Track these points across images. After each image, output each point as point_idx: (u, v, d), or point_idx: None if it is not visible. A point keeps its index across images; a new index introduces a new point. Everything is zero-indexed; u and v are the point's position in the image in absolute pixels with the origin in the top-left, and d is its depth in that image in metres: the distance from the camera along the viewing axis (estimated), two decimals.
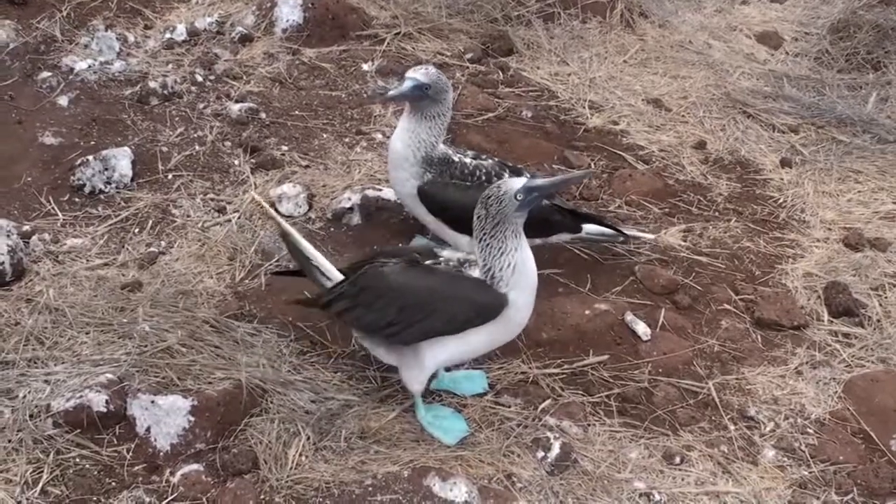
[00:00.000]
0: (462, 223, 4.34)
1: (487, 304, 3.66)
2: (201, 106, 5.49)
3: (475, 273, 3.67)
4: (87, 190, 4.83)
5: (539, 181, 3.66)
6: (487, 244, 3.60)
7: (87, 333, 4.03)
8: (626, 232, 4.73)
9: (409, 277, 3.70)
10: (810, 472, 3.88)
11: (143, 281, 4.35)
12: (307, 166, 5.15)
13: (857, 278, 4.83)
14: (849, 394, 4.22)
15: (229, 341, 4.07)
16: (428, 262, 3.73)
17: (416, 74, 4.28)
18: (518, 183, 3.58)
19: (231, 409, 3.75)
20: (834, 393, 4.23)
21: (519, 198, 3.55)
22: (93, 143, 5.13)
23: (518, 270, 3.62)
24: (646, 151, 5.68)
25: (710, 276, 4.80)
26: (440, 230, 4.47)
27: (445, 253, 3.78)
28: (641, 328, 4.40)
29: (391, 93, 4.58)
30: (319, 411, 3.83)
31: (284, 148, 5.25)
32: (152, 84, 5.50)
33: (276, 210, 4.79)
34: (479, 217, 3.60)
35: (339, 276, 3.88)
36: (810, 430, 4.06)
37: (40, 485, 3.47)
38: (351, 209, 4.82)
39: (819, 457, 3.94)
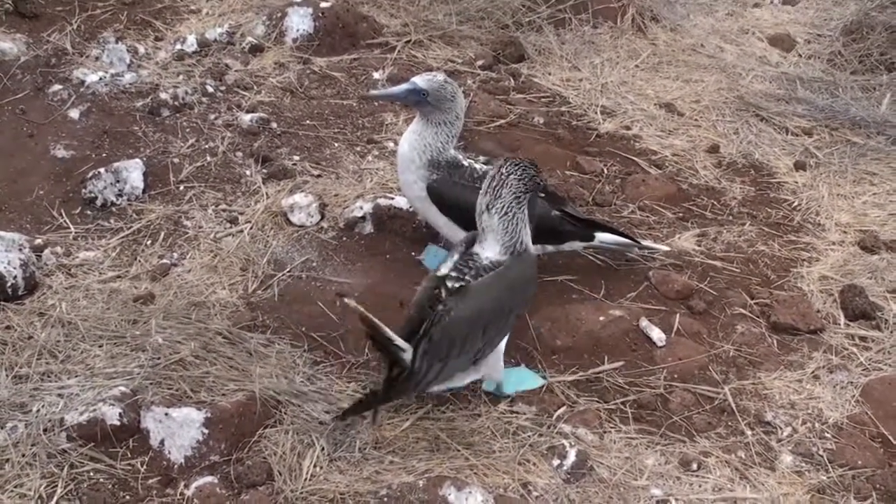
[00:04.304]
0: (474, 222, 4.33)
1: (534, 270, 3.98)
2: (212, 117, 5.49)
3: (489, 249, 3.84)
4: (98, 202, 4.82)
5: None
6: (514, 215, 3.80)
7: (100, 346, 4.03)
8: (640, 242, 4.70)
9: (472, 303, 3.71)
10: (829, 477, 3.85)
11: (155, 293, 4.34)
12: (319, 176, 5.14)
13: (874, 281, 4.80)
14: (866, 398, 4.19)
15: (242, 352, 4.07)
16: (457, 277, 3.79)
17: (417, 79, 4.28)
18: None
19: (245, 421, 3.74)
20: (851, 397, 4.20)
21: None
22: (104, 155, 5.12)
23: None
24: (659, 156, 5.66)
25: (725, 280, 4.78)
26: (452, 232, 4.44)
27: (444, 270, 3.84)
28: (656, 334, 4.38)
29: (373, 92, 4.59)
30: (333, 422, 3.81)
31: (296, 157, 5.25)
32: (163, 95, 5.50)
33: (288, 221, 4.79)
34: (516, 183, 3.78)
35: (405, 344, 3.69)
36: (828, 435, 4.03)
37: (55, 499, 3.46)
38: (363, 218, 4.81)
39: (837, 461, 3.91)
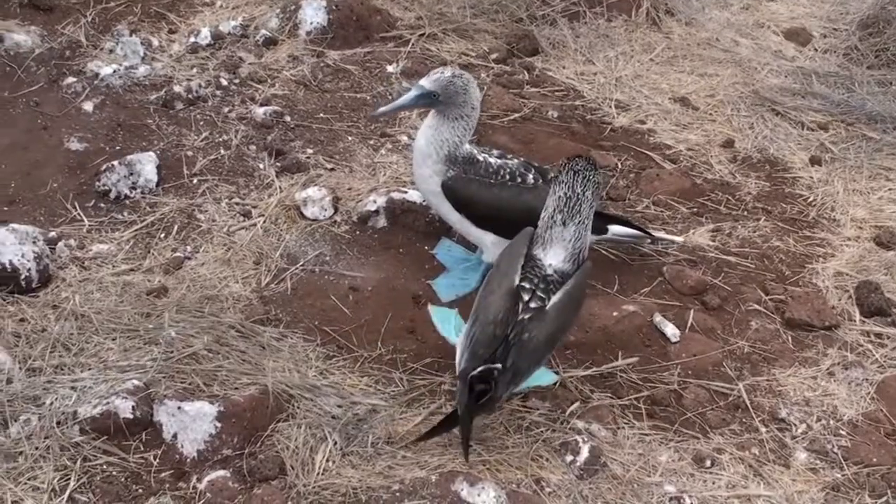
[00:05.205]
0: (487, 220, 4.33)
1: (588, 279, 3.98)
2: (226, 110, 5.48)
3: (553, 257, 3.77)
4: (112, 195, 4.82)
5: None
6: (588, 223, 3.80)
7: (113, 339, 4.03)
8: (653, 234, 4.69)
9: (551, 325, 3.71)
10: (843, 475, 3.84)
11: (168, 286, 4.34)
12: (332, 169, 5.13)
13: (889, 277, 4.78)
14: (882, 395, 4.17)
15: (255, 346, 4.07)
16: (530, 290, 3.72)
17: (424, 82, 4.26)
18: None
19: (258, 415, 3.74)
20: (867, 394, 4.19)
21: None
22: (118, 148, 5.13)
23: None
24: (673, 150, 5.63)
25: (740, 276, 4.76)
26: (465, 229, 4.44)
27: (517, 280, 3.73)
28: (670, 329, 4.37)
29: (381, 109, 4.60)
30: (346, 416, 3.81)
31: (309, 151, 5.24)
32: (177, 88, 5.49)
33: (301, 214, 4.78)
34: (592, 196, 3.78)
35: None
36: (843, 432, 4.01)
37: (67, 492, 3.47)
38: (376, 212, 4.80)
39: (852, 459, 3.90)
